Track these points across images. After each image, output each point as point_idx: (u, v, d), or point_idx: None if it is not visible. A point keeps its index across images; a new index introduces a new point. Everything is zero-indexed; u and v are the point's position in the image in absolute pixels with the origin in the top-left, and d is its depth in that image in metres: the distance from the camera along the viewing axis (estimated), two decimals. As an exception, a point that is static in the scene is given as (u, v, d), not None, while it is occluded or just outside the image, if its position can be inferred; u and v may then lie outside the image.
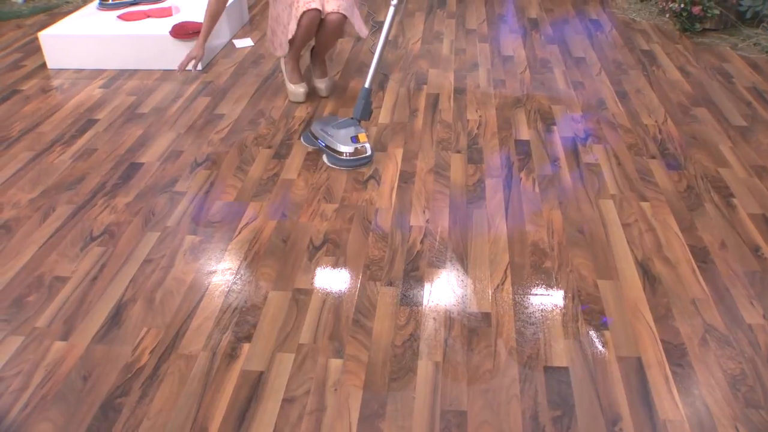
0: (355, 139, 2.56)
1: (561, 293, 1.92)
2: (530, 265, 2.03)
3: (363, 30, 2.99)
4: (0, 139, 2.85)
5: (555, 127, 2.79)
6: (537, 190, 2.39)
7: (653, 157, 2.57)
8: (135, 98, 3.17)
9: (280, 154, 2.65)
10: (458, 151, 2.63)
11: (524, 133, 2.76)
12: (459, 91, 3.13)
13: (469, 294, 1.92)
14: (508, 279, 1.97)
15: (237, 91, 3.20)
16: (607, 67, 3.35)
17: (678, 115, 2.89)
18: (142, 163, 2.63)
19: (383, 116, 2.92)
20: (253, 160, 2.62)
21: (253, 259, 2.09)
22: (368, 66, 3.42)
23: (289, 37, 2.86)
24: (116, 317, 1.89)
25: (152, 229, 2.25)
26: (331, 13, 2.84)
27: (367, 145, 2.58)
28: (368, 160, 2.57)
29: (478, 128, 2.80)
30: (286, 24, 2.92)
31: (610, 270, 2.00)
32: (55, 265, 2.10)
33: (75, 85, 3.34)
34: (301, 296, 1.94)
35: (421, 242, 2.14)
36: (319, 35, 2.95)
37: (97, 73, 3.47)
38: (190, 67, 3.26)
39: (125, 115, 3.02)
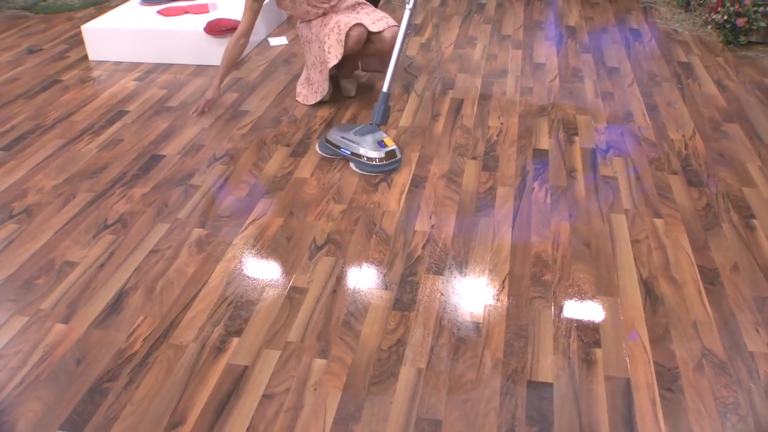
0: (382, 144, 2.54)
1: (557, 308, 1.88)
2: (530, 276, 2.00)
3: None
4: (35, 127, 2.96)
5: (576, 138, 2.74)
6: (548, 201, 2.34)
7: (674, 173, 2.50)
8: (166, 92, 3.25)
9: (297, 153, 2.68)
10: (474, 158, 2.61)
11: (544, 142, 2.71)
12: (484, 97, 3.10)
13: (464, 303, 1.90)
14: (505, 290, 1.95)
15: (265, 89, 3.25)
16: (640, 79, 3.26)
17: (707, 130, 2.79)
18: (163, 156, 2.69)
19: (404, 119, 2.92)
20: (270, 158, 2.65)
21: (254, 255, 2.12)
22: (398, 68, 3.42)
23: (332, 63, 2.84)
24: (116, 304, 1.94)
25: (163, 220, 2.30)
26: (385, 30, 2.85)
27: (396, 148, 2.56)
28: (399, 164, 2.56)
29: (497, 135, 2.77)
30: (323, 59, 2.92)
31: (611, 286, 1.95)
32: (68, 250, 2.17)
33: (112, 76, 3.45)
34: (296, 295, 1.96)
35: (423, 248, 2.13)
36: (371, 51, 2.95)
37: (135, 65, 3.57)
38: (206, 109, 3.08)
39: (154, 107, 3.10)
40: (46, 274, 2.07)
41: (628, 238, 2.15)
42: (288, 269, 2.06)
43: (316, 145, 2.72)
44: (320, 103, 3.08)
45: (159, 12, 3.70)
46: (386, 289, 1.97)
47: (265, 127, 2.89)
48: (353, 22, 2.81)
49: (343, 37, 2.79)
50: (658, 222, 2.23)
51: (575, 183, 2.44)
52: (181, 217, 2.31)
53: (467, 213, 2.29)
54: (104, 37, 3.58)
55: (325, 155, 2.66)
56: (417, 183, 2.46)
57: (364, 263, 2.07)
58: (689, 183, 2.44)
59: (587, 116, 2.91)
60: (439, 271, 2.03)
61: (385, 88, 2.62)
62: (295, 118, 2.95)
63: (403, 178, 2.49)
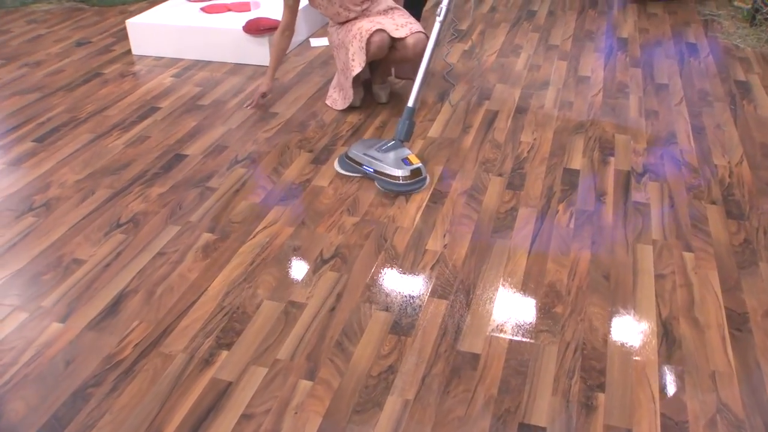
0: (407, 162, 2.42)
1: (564, 344, 1.76)
2: (540, 306, 1.88)
3: None
4: (70, 119, 3.00)
5: (612, 159, 2.59)
6: (572, 225, 2.22)
7: (713, 203, 2.32)
8: (200, 89, 3.25)
9: (319, 160, 2.62)
10: (500, 175, 2.50)
11: (576, 161, 2.57)
12: (520, 110, 2.98)
13: (465, 331, 1.81)
14: (511, 320, 1.84)
15: (298, 91, 3.21)
16: (690, 97, 3.07)
17: (757, 157, 2.60)
18: (186, 155, 2.68)
19: (434, 130, 2.83)
20: (291, 163, 2.61)
21: (259, 264, 2.08)
22: (437, 74, 3.33)
23: (355, 71, 2.79)
24: (114, 306, 1.93)
25: (175, 222, 2.29)
26: (409, 36, 2.78)
27: (421, 166, 2.43)
28: (424, 183, 2.43)
29: (528, 152, 2.65)
30: (348, 65, 2.86)
31: (626, 325, 1.82)
32: (78, 247, 2.18)
33: (151, 72, 3.48)
34: (294, 309, 1.90)
35: (432, 268, 2.04)
36: (396, 58, 2.88)
37: (174, 61, 3.59)
38: (260, 104, 3.07)
39: (186, 105, 3.10)
40: (54, 270, 2.08)
41: (652, 271, 2.01)
42: (290, 282, 2.00)
43: (335, 163, 2.57)
44: (350, 109, 3.01)
45: (202, 9, 3.71)
46: (386, 310, 1.89)
47: (291, 131, 2.84)
48: (375, 28, 2.73)
49: (364, 44, 2.72)
50: (688, 256, 2.07)
51: (603, 208, 2.30)
52: (193, 220, 2.29)
53: (483, 234, 2.18)
54: (147, 33, 3.62)
55: (345, 173, 2.53)
56: (436, 198, 2.37)
57: (368, 281, 1.99)
58: (728, 215, 2.27)
59: (626, 136, 2.75)
60: (444, 295, 1.93)
61: (410, 103, 2.51)
62: (323, 123, 2.90)
63: (422, 193, 2.40)
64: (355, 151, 2.51)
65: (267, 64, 3.46)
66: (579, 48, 3.65)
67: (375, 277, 2.01)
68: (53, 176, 2.57)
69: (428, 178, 2.49)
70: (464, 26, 4.01)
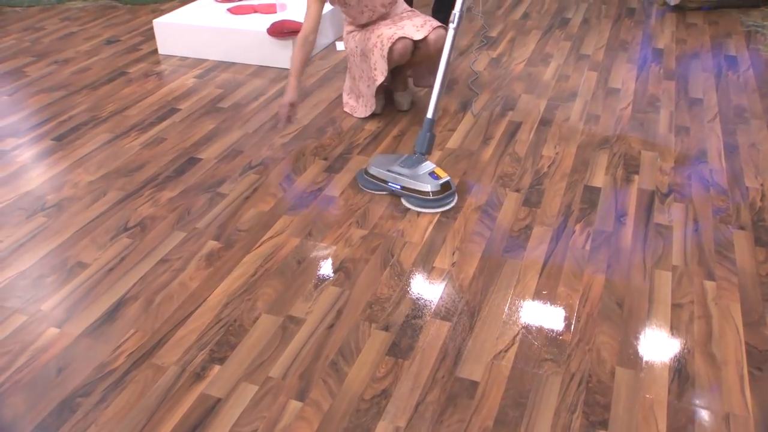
0: (434, 176, 2.31)
1: (568, 375, 1.68)
2: (546, 334, 1.80)
3: None
4: (90, 118, 3.01)
5: (636, 177, 2.48)
6: (588, 247, 2.12)
7: (741, 228, 2.20)
8: (221, 91, 3.23)
9: (333, 168, 2.57)
10: (517, 190, 2.41)
11: (598, 179, 2.47)
12: (544, 122, 2.88)
13: (465, 356, 1.73)
14: (514, 347, 1.76)
15: (319, 96, 3.16)
16: (725, 114, 2.93)
17: (793, 181, 2.46)
18: (200, 159, 2.66)
19: (453, 140, 2.75)
20: (304, 170, 2.56)
21: (261, 275, 2.03)
22: (461, 82, 3.25)
23: (379, 81, 2.74)
24: (113, 313, 1.91)
25: (182, 228, 2.26)
26: (429, 33, 2.71)
27: (450, 180, 2.33)
28: (455, 197, 2.35)
29: (549, 167, 2.55)
30: (370, 74, 2.80)
31: (636, 357, 1.72)
32: (84, 250, 2.16)
33: (175, 72, 3.47)
34: (291, 325, 1.85)
35: (437, 287, 1.97)
36: (417, 58, 2.83)
37: (199, 62, 3.58)
38: (291, 116, 2.80)
39: (206, 107, 3.08)
40: (58, 272, 2.07)
41: (669, 300, 1.90)
42: (290, 296, 1.95)
43: (358, 180, 2.47)
44: (369, 116, 2.95)
45: (229, 10, 3.69)
46: (386, 330, 1.82)
47: (308, 137, 2.80)
48: (396, 36, 2.67)
49: (386, 52, 2.66)
50: (709, 285, 1.96)
51: (623, 229, 2.20)
52: (200, 227, 2.26)
53: (494, 253, 2.10)
54: (173, 32, 3.62)
55: (369, 191, 2.43)
56: (448, 213, 2.30)
57: (370, 298, 1.93)
58: (757, 241, 2.14)
59: (654, 153, 2.63)
60: (447, 317, 1.86)
61: (429, 114, 2.40)
62: (341, 130, 2.85)
63: (434, 206, 2.34)
64: (377, 168, 2.39)
65: (286, 66, 3.42)
66: (611, 58, 3.52)
67: (378, 295, 1.95)
68: (68, 176, 2.57)
69: (456, 191, 2.40)
70: (494, 33, 3.91)
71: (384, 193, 2.41)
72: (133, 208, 2.37)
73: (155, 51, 3.75)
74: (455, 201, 2.35)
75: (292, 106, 2.72)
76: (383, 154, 2.54)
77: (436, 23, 2.75)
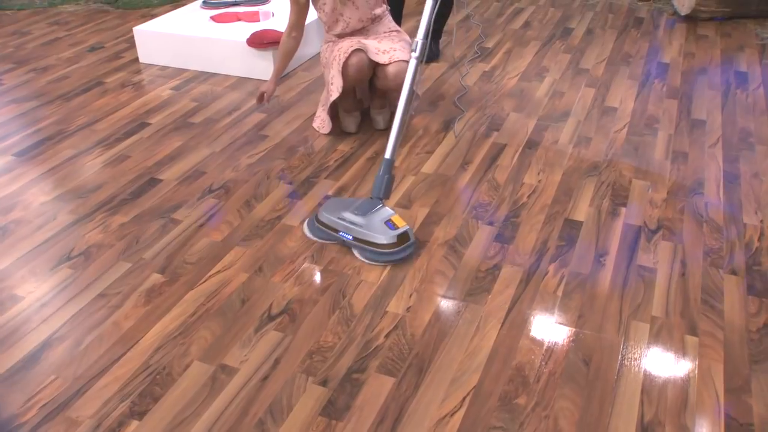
0: (391, 225, 2.05)
1: (520, 446, 1.50)
2: (500, 396, 1.62)
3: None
4: (57, 132, 2.89)
5: (623, 209, 2.28)
6: (560, 292, 1.93)
7: (733, 273, 1.99)
8: (196, 105, 3.09)
9: (297, 194, 2.41)
10: (490, 223, 2.23)
11: (581, 211, 2.27)
12: (531, 145, 2.68)
13: (405, 420, 1.56)
14: (461, 410, 1.58)
15: (296, 111, 3.00)
16: (729, 138, 2.71)
17: (796, 218, 2.24)
18: (161, 180, 2.52)
19: (430, 164, 2.57)
20: (265, 196, 2.40)
21: (201, 316, 1.88)
22: (448, 98, 3.07)
23: (333, 97, 2.57)
24: (36, 355, 1.77)
25: (127, 258, 2.12)
26: (390, 63, 2.54)
27: (408, 229, 2.07)
28: (413, 249, 2.08)
29: (528, 196, 2.36)
30: (329, 87, 2.64)
31: (598, 427, 1.53)
32: (20, 282, 2.03)
33: (152, 82, 3.34)
34: (223, 375, 1.69)
35: (387, 336, 1.80)
36: (377, 87, 2.67)
37: (179, 72, 3.45)
38: (266, 103, 2.87)
39: (177, 122, 2.94)
40: (-12, 307, 1.94)
41: (643, 358, 1.71)
42: (227, 341, 1.80)
43: (304, 226, 2.21)
44: (344, 135, 2.78)
45: (212, 18, 3.55)
46: (324, 385, 1.66)
47: (276, 157, 2.64)
48: (353, 48, 2.49)
49: (341, 67, 2.49)
50: (691, 341, 1.76)
51: (601, 272, 2.00)
52: (146, 258, 2.12)
53: (455, 296, 1.92)
54: (153, 41, 3.48)
55: (317, 240, 2.15)
56: (412, 250, 2.12)
57: (312, 347, 1.77)
58: (749, 290, 1.93)
59: (646, 182, 2.43)
60: (392, 372, 1.69)
61: (387, 154, 2.13)
62: (312, 151, 2.68)
63: (398, 240, 2.16)
64: (328, 214, 2.12)
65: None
66: (612, 73, 3.31)
67: (321, 343, 1.78)
68: (22, 196, 2.45)
69: (416, 242, 2.14)
70: (490, 44, 3.72)
71: (334, 243, 2.15)
72: (80, 235, 2.23)
73: (137, 59, 3.62)
74: (413, 251, 2.09)
75: (264, 93, 2.78)
76: (337, 198, 2.25)
77: (402, 56, 2.56)
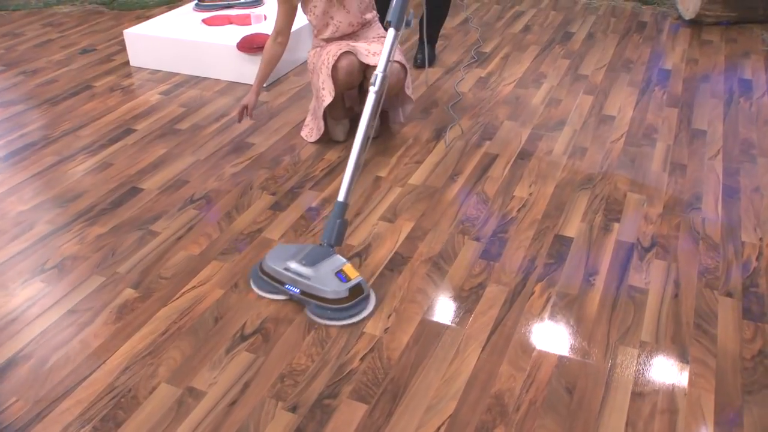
0: (342, 276, 1.82)
1: (496, 481, 1.42)
2: (476, 427, 1.54)
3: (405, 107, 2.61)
4: (41, 138, 2.84)
5: (616, 225, 2.19)
6: (545, 314, 1.85)
7: (729, 295, 1.90)
8: (184, 110, 3.02)
9: (280, 205, 2.34)
10: (477, 239, 2.15)
11: (572, 227, 2.19)
12: (523, 155, 2.60)
13: (377, 451, 1.49)
14: (436, 441, 1.51)
15: (284, 118, 2.93)
16: (730, 150, 2.61)
17: (797, 236, 2.15)
18: (142, 189, 2.45)
19: (417, 175, 2.49)
20: (247, 207, 2.33)
21: (172, 335, 1.82)
22: (441, 105, 2.99)
23: (326, 102, 2.49)
24: (-1, 376, 1.71)
25: (101, 272, 2.05)
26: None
27: (362, 281, 1.83)
28: (369, 305, 1.86)
29: (518, 211, 2.28)
30: (319, 95, 2.55)
31: (578, 463, 1.46)
32: (-10, 295, 1.98)
33: (142, 87, 3.28)
34: (190, 399, 1.63)
35: (362, 359, 1.72)
36: (366, 91, 2.60)
37: (169, 76, 3.38)
38: (247, 117, 2.82)
39: (163, 128, 2.88)
40: (-45, 322, 1.88)
41: (630, 387, 1.63)
42: (197, 362, 1.73)
43: (250, 279, 1.97)
44: (332, 143, 2.71)
45: (204, 21, 3.49)
46: (293, 411, 1.59)
47: (261, 167, 2.57)
48: (342, 50, 2.42)
49: (331, 70, 2.42)
50: (681, 368, 1.67)
51: (590, 292, 1.92)
52: (121, 271, 2.05)
53: (436, 317, 1.85)
54: (143, 44, 3.42)
55: (264, 295, 1.91)
56: (394, 265, 2.05)
57: (284, 370, 1.70)
58: (745, 313, 1.84)
59: (641, 195, 2.34)
60: (365, 398, 1.62)
61: (341, 197, 1.92)
62: (298, 160, 2.61)
63: (380, 256, 2.08)
64: (273, 264, 1.87)
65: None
66: (611, 80, 3.21)
67: (294, 365, 1.71)
68: (0, 204, 2.39)
69: (373, 297, 1.90)
70: (487, 48, 3.63)
71: (280, 298, 1.91)
72: (56, 246, 2.17)
73: (128, 63, 3.56)
74: (371, 308, 1.86)
75: (245, 107, 2.65)
76: (284, 244, 2.05)
77: (396, 56, 2.49)
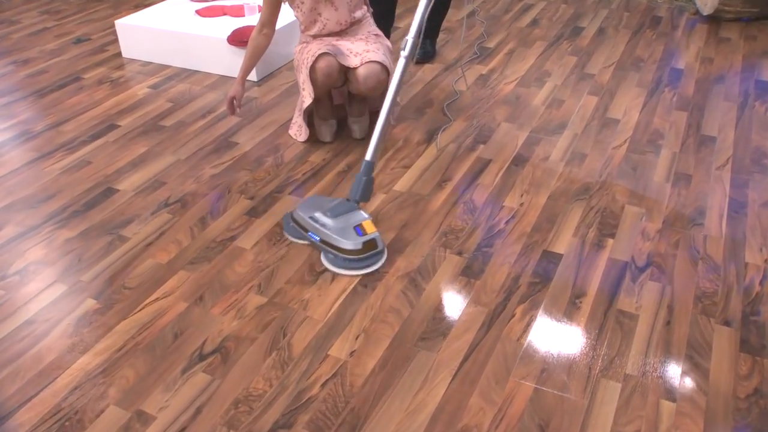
0: (360, 230, 1.95)
1: None
2: (438, 466, 1.43)
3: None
4: (22, 133, 2.76)
5: (610, 241, 2.05)
6: (524, 339, 1.72)
7: (726, 323, 1.76)
8: (170, 106, 2.92)
9: (256, 211, 2.23)
10: (459, 253, 2.02)
11: (562, 242, 2.05)
12: (518, 161, 2.46)
13: (328, 490, 1.38)
14: (392, 483, 1.40)
15: (272, 115, 2.82)
16: (740, 159, 2.45)
17: (805, 258, 1.99)
18: (117, 190, 2.36)
19: (403, 181, 2.37)
20: (223, 213, 2.23)
21: (128, 351, 1.72)
22: (436, 104, 2.85)
23: (306, 104, 2.40)
24: (-56, 392, 1.63)
25: (64, 280, 1.97)
26: (360, 66, 2.35)
27: (377, 237, 1.96)
28: (381, 258, 1.98)
29: (506, 222, 2.15)
30: (302, 93, 2.47)
31: None
32: (-53, 302, 1.90)
33: (131, 79, 3.18)
34: (138, 424, 1.53)
35: (323, 385, 1.62)
36: (351, 90, 2.47)
37: (161, 68, 3.28)
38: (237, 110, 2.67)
39: (147, 125, 2.78)
40: None
41: (609, 426, 1.50)
42: (150, 382, 1.64)
43: (284, 222, 2.14)
44: (318, 144, 2.59)
45: (197, 12, 3.37)
46: (245, 442, 1.49)
47: (241, 169, 2.46)
48: (321, 51, 2.30)
49: (309, 71, 2.30)
50: (667, 407, 1.54)
51: (575, 316, 1.79)
52: (84, 280, 1.96)
53: (407, 341, 1.73)
54: (135, 35, 3.32)
55: (293, 240, 2.08)
56: (368, 280, 1.93)
57: (240, 394, 1.59)
58: (742, 345, 1.70)
59: (640, 208, 2.19)
60: (321, 429, 1.51)
61: (368, 156, 2.04)
62: (281, 161, 2.50)
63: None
64: (302, 213, 2.05)
65: (251, 78, 3.10)
66: (619, 79, 3.05)
67: (251, 390, 1.61)
68: (-30, 204, 2.32)
69: (385, 249, 2.02)
70: (491, 43, 3.47)
71: (305, 243, 2.07)
72: (22, 250, 2.09)
73: (120, 54, 3.47)
74: (382, 262, 1.98)
75: (233, 99, 2.56)
76: (318, 195, 2.17)
77: (377, 56, 2.36)
